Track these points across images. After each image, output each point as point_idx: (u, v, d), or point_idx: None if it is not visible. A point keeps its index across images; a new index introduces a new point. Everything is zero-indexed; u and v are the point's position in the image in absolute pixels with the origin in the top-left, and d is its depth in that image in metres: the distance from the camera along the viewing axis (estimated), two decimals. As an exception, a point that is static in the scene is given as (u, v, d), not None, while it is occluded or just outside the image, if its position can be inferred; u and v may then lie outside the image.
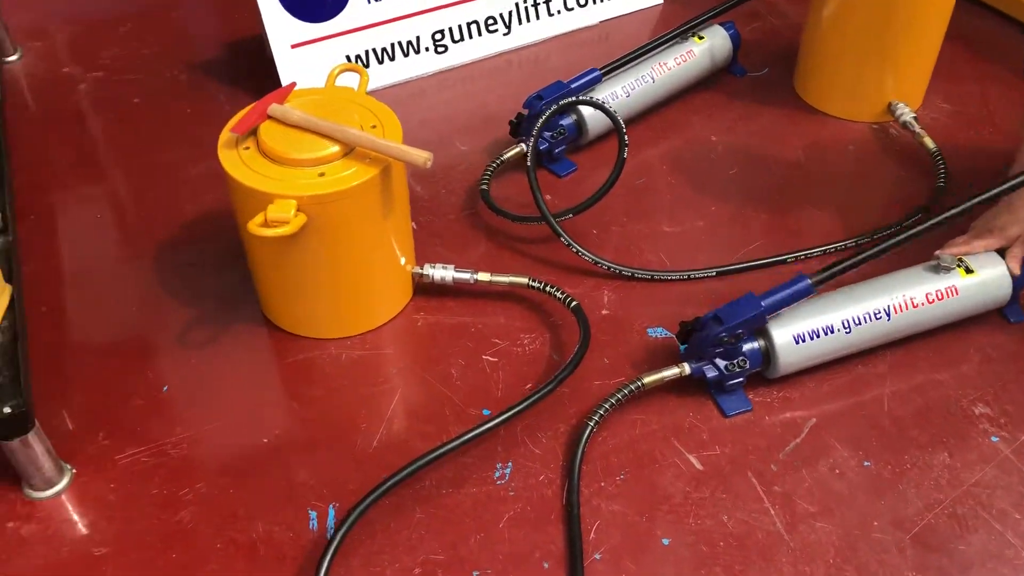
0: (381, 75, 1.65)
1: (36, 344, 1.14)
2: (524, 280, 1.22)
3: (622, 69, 1.52)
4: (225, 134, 1.11)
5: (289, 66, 1.58)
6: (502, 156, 1.42)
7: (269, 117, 1.11)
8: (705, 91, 1.62)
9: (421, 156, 1.06)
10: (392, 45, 1.65)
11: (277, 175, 1.06)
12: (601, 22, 1.81)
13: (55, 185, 1.45)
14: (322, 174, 1.06)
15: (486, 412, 1.11)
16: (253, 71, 1.65)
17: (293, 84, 1.18)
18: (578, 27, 1.79)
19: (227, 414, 1.12)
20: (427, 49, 1.68)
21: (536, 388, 1.09)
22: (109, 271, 1.31)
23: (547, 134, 1.44)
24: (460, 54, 1.71)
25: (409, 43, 1.66)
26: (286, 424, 1.11)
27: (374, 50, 1.63)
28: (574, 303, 1.19)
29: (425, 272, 1.23)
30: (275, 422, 1.11)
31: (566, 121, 1.45)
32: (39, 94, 1.66)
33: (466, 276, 1.23)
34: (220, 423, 1.11)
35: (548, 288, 1.21)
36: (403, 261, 1.20)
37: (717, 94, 1.62)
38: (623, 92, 1.50)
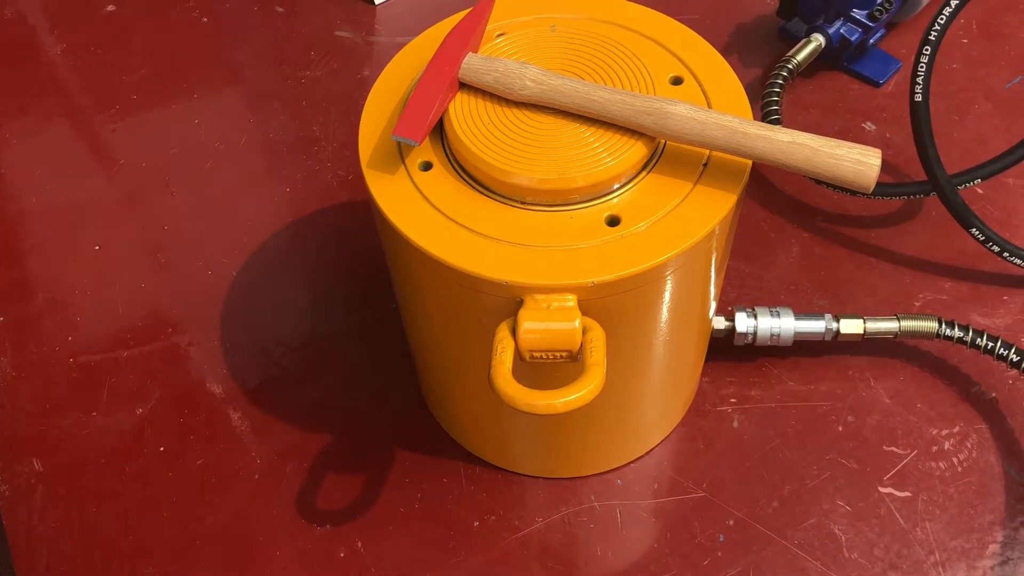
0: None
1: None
2: (931, 325, 0.65)
3: None
4: (368, 137, 0.51)
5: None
6: (787, 64, 0.80)
7: (463, 87, 0.51)
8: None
9: (868, 166, 0.46)
10: None
11: (507, 229, 0.47)
12: None
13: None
14: (614, 220, 0.48)
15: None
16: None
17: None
18: None
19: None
20: None
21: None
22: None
23: (859, 12, 0.82)
24: None
25: None
26: None
27: None
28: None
29: (739, 329, 0.66)
30: None
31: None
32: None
33: (816, 326, 0.66)
34: None
35: (974, 338, 0.64)
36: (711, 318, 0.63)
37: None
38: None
